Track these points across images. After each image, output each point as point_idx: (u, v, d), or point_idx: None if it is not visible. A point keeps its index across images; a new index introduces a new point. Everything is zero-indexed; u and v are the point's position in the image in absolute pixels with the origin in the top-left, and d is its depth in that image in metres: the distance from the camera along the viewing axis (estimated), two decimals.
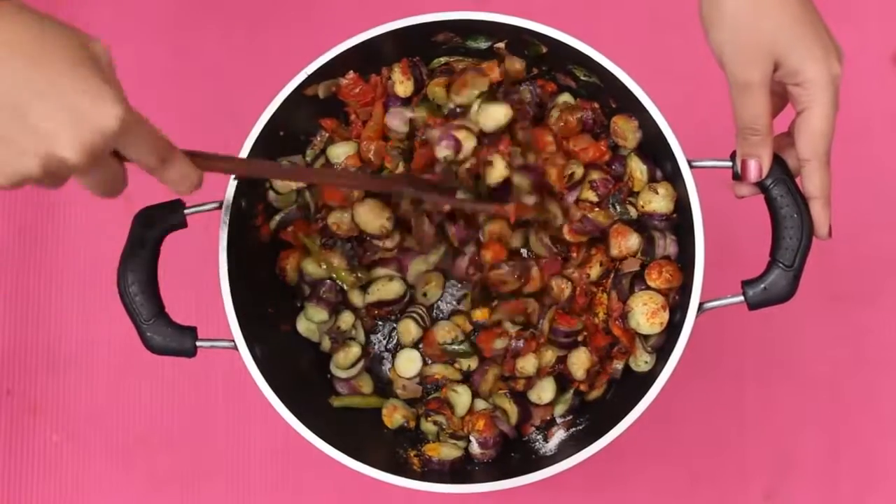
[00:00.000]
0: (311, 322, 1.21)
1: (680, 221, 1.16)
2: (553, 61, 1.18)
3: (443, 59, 1.21)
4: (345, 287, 1.20)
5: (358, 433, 1.18)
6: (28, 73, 0.78)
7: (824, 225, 1.06)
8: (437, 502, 1.39)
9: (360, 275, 1.20)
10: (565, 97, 1.21)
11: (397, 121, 1.19)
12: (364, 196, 1.18)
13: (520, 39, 1.16)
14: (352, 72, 1.18)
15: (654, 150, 1.15)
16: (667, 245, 1.17)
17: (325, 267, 1.20)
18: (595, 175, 1.19)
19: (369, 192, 1.19)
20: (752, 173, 1.06)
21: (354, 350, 1.21)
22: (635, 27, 1.50)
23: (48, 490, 1.42)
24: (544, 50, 1.16)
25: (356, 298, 1.21)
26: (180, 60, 1.50)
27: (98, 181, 0.85)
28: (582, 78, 1.18)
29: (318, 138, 1.22)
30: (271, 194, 1.18)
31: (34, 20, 0.80)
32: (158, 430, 1.43)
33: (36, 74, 0.78)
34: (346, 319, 1.22)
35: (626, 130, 1.17)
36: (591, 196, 1.19)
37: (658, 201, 1.16)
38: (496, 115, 1.13)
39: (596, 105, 1.20)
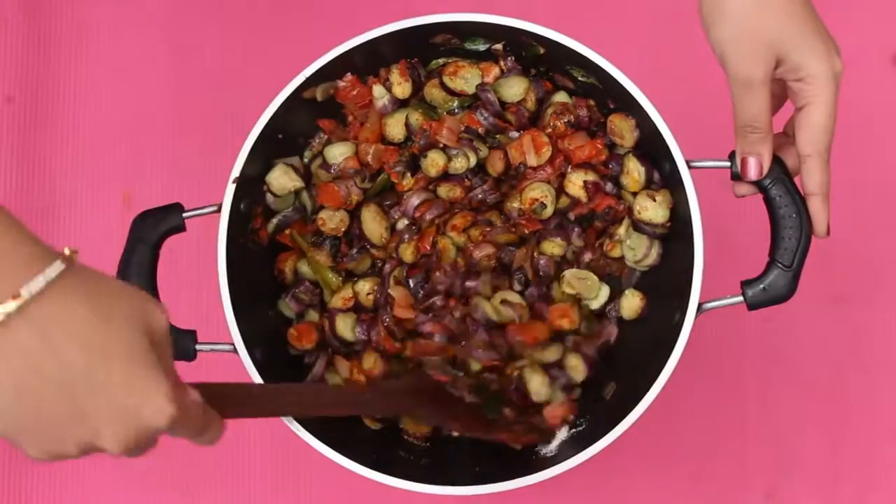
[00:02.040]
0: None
1: (673, 230, 1.15)
2: (551, 62, 1.18)
3: (441, 61, 1.21)
4: (325, 291, 1.21)
5: (357, 435, 1.18)
6: (87, 364, 0.74)
7: (823, 222, 1.06)
8: (437, 503, 1.39)
9: (341, 278, 1.21)
10: (561, 96, 1.21)
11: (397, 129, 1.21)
12: (364, 201, 1.19)
13: (518, 41, 1.16)
14: (349, 74, 1.18)
15: (653, 150, 1.15)
16: (651, 254, 1.18)
17: (311, 265, 1.20)
18: (590, 176, 1.19)
19: (371, 198, 1.20)
20: (752, 171, 1.06)
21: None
22: (635, 28, 1.50)
23: (48, 490, 1.42)
24: (542, 51, 1.16)
25: (333, 303, 1.21)
26: (180, 61, 1.50)
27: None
28: (580, 79, 1.18)
29: (317, 140, 1.22)
30: (269, 197, 1.18)
31: (100, 302, 0.76)
32: None
33: (94, 367, 0.74)
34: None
35: (624, 129, 1.17)
36: (581, 196, 1.19)
37: (654, 210, 1.16)
38: (516, 88, 1.19)
39: (591, 102, 1.20)
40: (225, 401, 0.86)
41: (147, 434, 0.76)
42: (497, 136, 1.20)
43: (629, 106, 1.13)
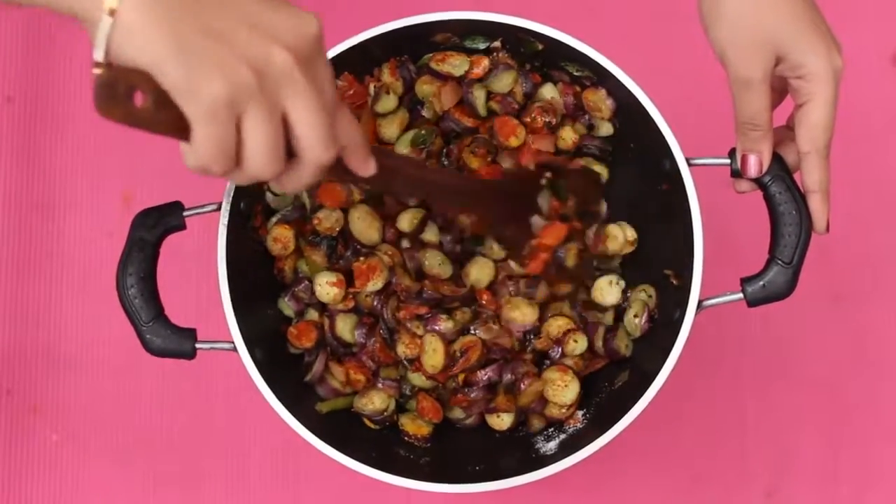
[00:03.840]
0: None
1: (672, 222, 1.16)
2: (547, 58, 1.18)
3: (430, 55, 1.20)
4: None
5: (357, 434, 1.19)
6: None
7: (822, 219, 1.06)
8: (437, 502, 1.39)
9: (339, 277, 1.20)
10: (548, 89, 1.22)
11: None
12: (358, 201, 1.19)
13: (516, 38, 1.16)
14: (346, 73, 1.18)
15: (652, 148, 1.15)
16: (625, 233, 1.21)
17: (307, 265, 1.20)
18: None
19: (368, 199, 1.20)
20: (753, 169, 1.06)
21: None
22: (634, 27, 1.50)
23: (48, 490, 1.42)
24: (540, 47, 1.16)
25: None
26: None
27: (313, 110, 0.80)
28: (575, 73, 1.18)
29: None
30: (269, 196, 1.18)
31: None
32: (158, 430, 1.43)
33: None
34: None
35: (598, 101, 1.19)
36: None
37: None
38: (505, 80, 1.20)
39: (577, 88, 1.20)
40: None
41: (308, 40, 0.79)
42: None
43: (629, 104, 1.14)
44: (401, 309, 1.18)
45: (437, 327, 1.17)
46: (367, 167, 0.89)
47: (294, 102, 0.79)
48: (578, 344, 1.19)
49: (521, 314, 1.19)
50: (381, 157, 0.90)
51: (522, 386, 1.18)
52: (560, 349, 1.20)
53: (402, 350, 1.18)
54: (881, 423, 1.42)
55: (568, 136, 1.22)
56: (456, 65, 1.19)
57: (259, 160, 0.79)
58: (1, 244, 1.46)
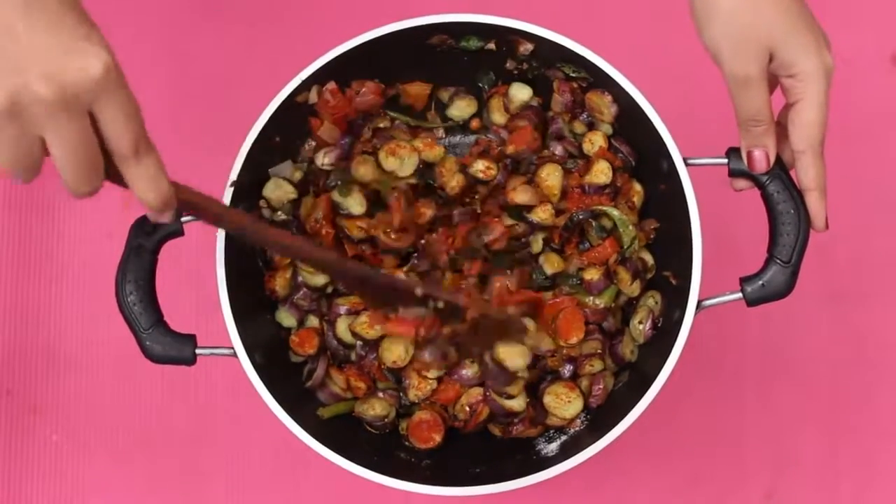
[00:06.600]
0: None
1: (673, 231, 1.16)
2: (543, 59, 1.19)
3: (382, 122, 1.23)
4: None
5: (358, 436, 1.19)
6: (25, 6, 0.78)
7: (821, 217, 1.06)
8: (436, 503, 1.39)
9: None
10: (518, 89, 1.23)
11: None
12: None
13: (511, 39, 1.16)
14: (332, 82, 1.17)
15: (650, 148, 1.15)
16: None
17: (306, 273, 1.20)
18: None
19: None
20: (761, 163, 1.06)
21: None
22: (631, 28, 1.50)
23: (48, 490, 1.42)
24: (532, 47, 1.17)
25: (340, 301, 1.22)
26: (178, 65, 1.50)
27: (70, 148, 0.80)
28: (571, 74, 1.18)
29: (307, 147, 1.22)
30: (265, 212, 1.18)
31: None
32: (158, 430, 1.43)
33: (32, 9, 0.79)
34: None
35: (601, 105, 1.19)
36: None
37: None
38: (521, 95, 1.22)
39: (574, 85, 1.20)
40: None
41: (83, 78, 0.78)
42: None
43: (628, 106, 1.14)
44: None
45: (463, 373, 1.18)
46: (159, 218, 0.88)
47: (48, 136, 0.79)
48: (595, 367, 1.19)
49: (510, 359, 1.15)
50: (195, 199, 0.88)
51: (514, 430, 1.19)
52: (573, 368, 1.19)
53: (414, 394, 1.19)
54: (880, 423, 1.42)
55: (597, 139, 1.21)
56: (404, 158, 1.20)
57: (7, 167, 0.80)
58: (1, 244, 1.46)
